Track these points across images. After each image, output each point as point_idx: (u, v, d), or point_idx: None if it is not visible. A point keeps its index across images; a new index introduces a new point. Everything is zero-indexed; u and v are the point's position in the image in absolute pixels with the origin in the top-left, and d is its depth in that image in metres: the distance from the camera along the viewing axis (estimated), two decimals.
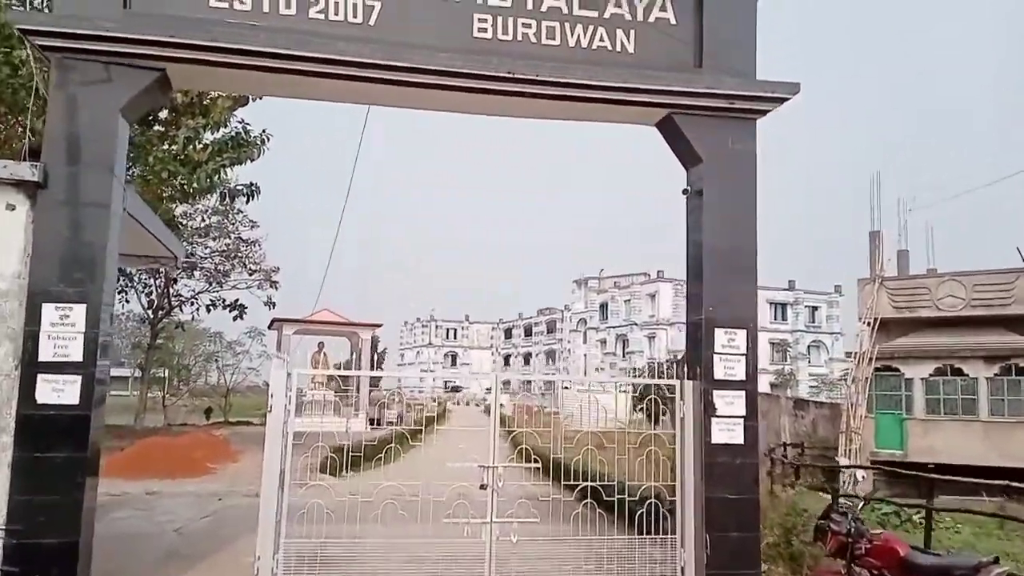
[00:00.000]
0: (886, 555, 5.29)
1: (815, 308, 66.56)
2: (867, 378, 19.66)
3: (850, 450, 18.56)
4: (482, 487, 6.59)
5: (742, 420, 6.70)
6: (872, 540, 5.47)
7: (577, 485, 6.86)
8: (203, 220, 31.40)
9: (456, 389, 72.90)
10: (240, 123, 16.57)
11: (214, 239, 32.52)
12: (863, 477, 16.28)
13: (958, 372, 19.29)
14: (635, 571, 6.67)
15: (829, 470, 17.18)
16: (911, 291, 19.54)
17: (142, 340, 37.04)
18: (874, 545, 5.40)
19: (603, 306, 69.02)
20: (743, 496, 6.60)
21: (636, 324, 61.88)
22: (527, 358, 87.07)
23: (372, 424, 26.03)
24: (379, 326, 32.53)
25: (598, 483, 7.00)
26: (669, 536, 6.77)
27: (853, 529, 5.62)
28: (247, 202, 16.85)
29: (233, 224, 32.16)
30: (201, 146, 15.43)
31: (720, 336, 6.78)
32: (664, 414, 21.46)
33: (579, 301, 74.54)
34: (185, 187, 15.45)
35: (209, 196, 18.78)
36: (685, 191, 7.22)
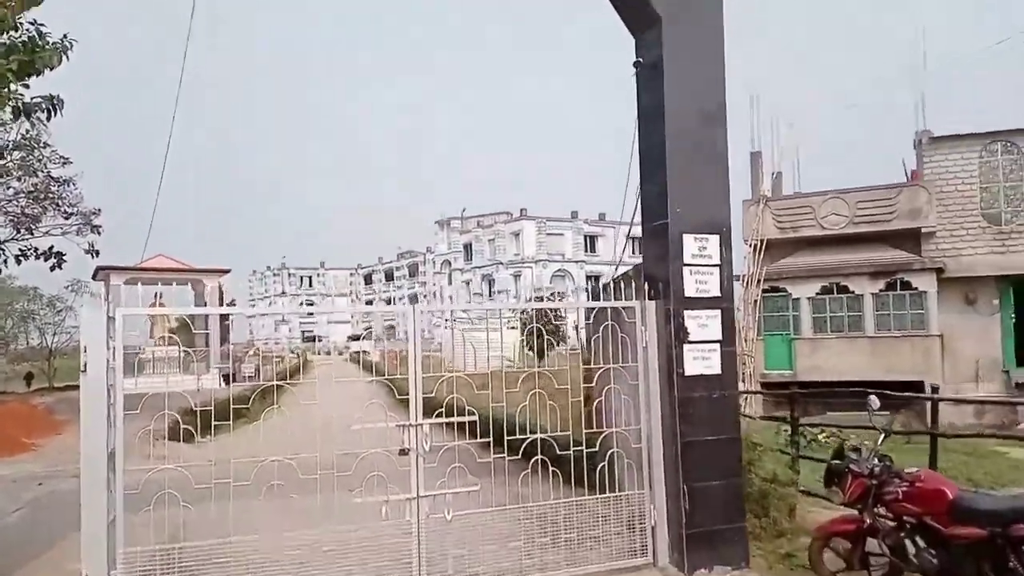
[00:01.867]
0: (929, 499, 4.27)
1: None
2: (755, 300, 19.74)
3: (744, 373, 18.57)
4: (403, 452, 4.97)
5: (718, 346, 5.50)
6: (908, 480, 4.43)
7: (497, 440, 5.35)
8: (2, 157, 26.50)
9: (314, 339, 69.35)
10: (33, 24, 13.26)
11: (18, 179, 27.56)
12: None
13: (844, 290, 19.70)
14: (598, 538, 5.37)
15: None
16: (795, 211, 19.58)
17: None
18: (913, 487, 4.37)
19: (467, 246, 67.53)
20: (723, 437, 5.46)
21: (502, 263, 61.07)
22: (389, 303, 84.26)
23: (227, 381, 23.33)
24: (226, 271, 29.11)
25: (535, 436, 5.56)
26: (636, 491, 5.51)
27: (878, 469, 4.57)
28: (48, 118, 13.49)
29: (40, 160, 27.35)
30: None
31: (690, 243, 5.48)
32: (551, 349, 20.45)
33: (442, 243, 72.52)
34: None
35: None
36: (636, 63, 5.76)
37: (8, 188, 27.16)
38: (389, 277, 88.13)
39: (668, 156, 5.45)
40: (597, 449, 5.53)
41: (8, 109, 13.35)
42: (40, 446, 12.66)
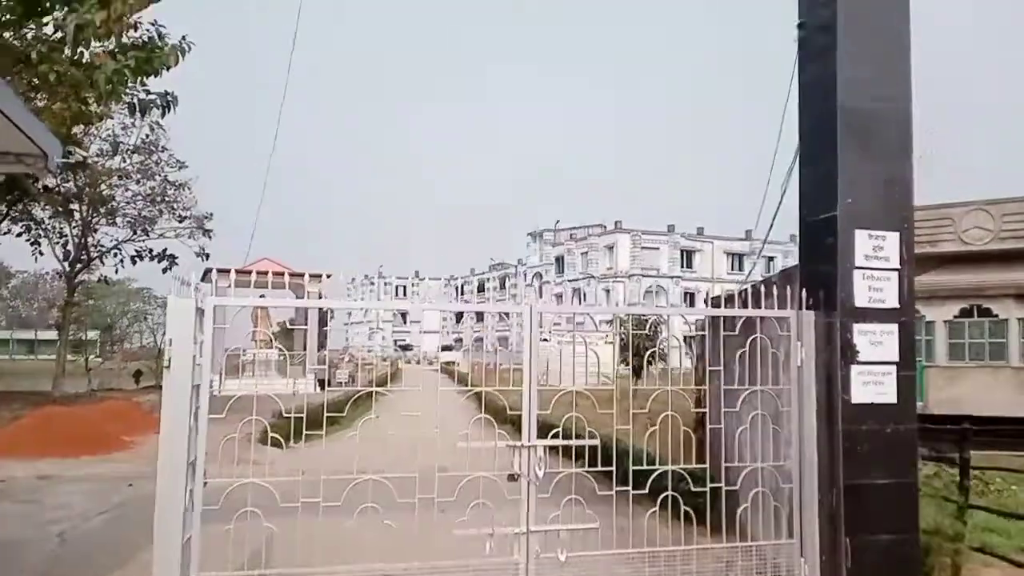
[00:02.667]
0: None
1: (771, 258, 66.01)
2: None
3: None
4: (511, 478, 4.28)
5: (894, 369, 4.53)
6: None
7: (614, 469, 4.54)
8: (124, 160, 27.92)
9: (407, 348, 70.29)
10: (153, 24, 13.59)
11: (137, 182, 28.95)
12: None
13: (986, 313, 17.70)
14: None
15: None
16: (932, 223, 17.74)
17: (58, 297, 33.38)
18: None
19: (559, 259, 66.91)
20: (898, 480, 4.47)
21: (593, 277, 60.04)
22: (480, 315, 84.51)
23: (322, 386, 23.55)
24: (327, 276, 29.61)
25: (666, 468, 4.74)
26: (783, 541, 4.60)
27: None
28: (163, 115, 13.72)
29: (158, 164, 28.66)
30: (99, 46, 12.39)
31: (863, 242, 4.55)
32: (650, 364, 19.45)
33: (534, 255, 72.11)
34: (79, 93, 12.38)
35: (113, 108, 15.56)
36: (800, 25, 4.89)
37: (127, 191, 28.63)
38: (481, 288, 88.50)
39: (839, 135, 4.55)
40: (738, 488, 4.65)
41: (125, 106, 13.83)
42: (138, 444, 12.75)
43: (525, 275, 74.92)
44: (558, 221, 70.14)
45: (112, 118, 25.99)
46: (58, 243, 27.50)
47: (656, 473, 4.57)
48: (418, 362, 55.65)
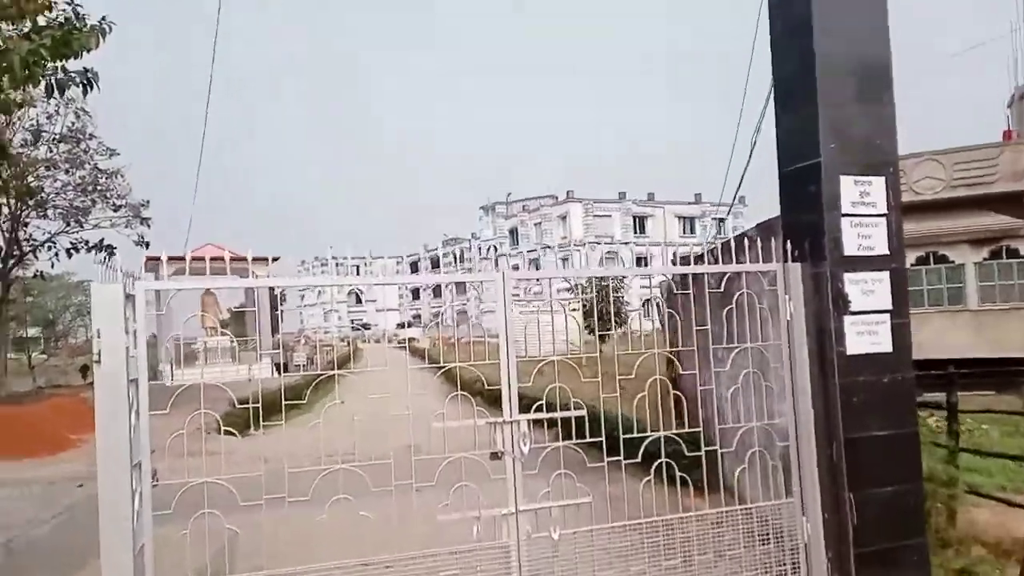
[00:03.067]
0: None
1: (721, 220, 66.83)
2: None
3: None
4: (495, 456, 3.96)
5: (888, 317, 4.34)
6: None
7: (604, 439, 4.26)
8: (50, 151, 26.46)
9: (365, 327, 69.43)
10: (70, 3, 12.62)
11: (66, 171, 27.51)
12: None
13: (943, 259, 18.02)
14: (739, 558, 4.28)
15: None
16: None
17: None
18: None
19: (512, 231, 66.58)
20: (899, 431, 4.30)
21: (549, 247, 59.94)
22: (437, 290, 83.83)
23: (279, 371, 22.90)
24: (275, 260, 28.67)
25: (657, 434, 4.49)
26: (782, 501, 4.40)
27: None
28: (84, 93, 12.89)
29: (87, 152, 27.25)
30: (12, 29, 11.49)
31: (848, 188, 4.31)
32: (612, 331, 19.27)
33: (487, 228, 71.58)
34: None
35: (33, 94, 14.57)
36: None
37: (56, 181, 27.15)
38: (435, 265, 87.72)
39: (819, 79, 4.28)
40: (733, 450, 4.42)
41: (42, 86, 12.88)
42: (86, 442, 12.01)
43: (480, 249, 74.43)
44: (510, 194, 69.70)
45: (35, 106, 24.67)
46: None
47: (648, 440, 4.31)
48: (377, 341, 54.96)
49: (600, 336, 17.07)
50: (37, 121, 24.87)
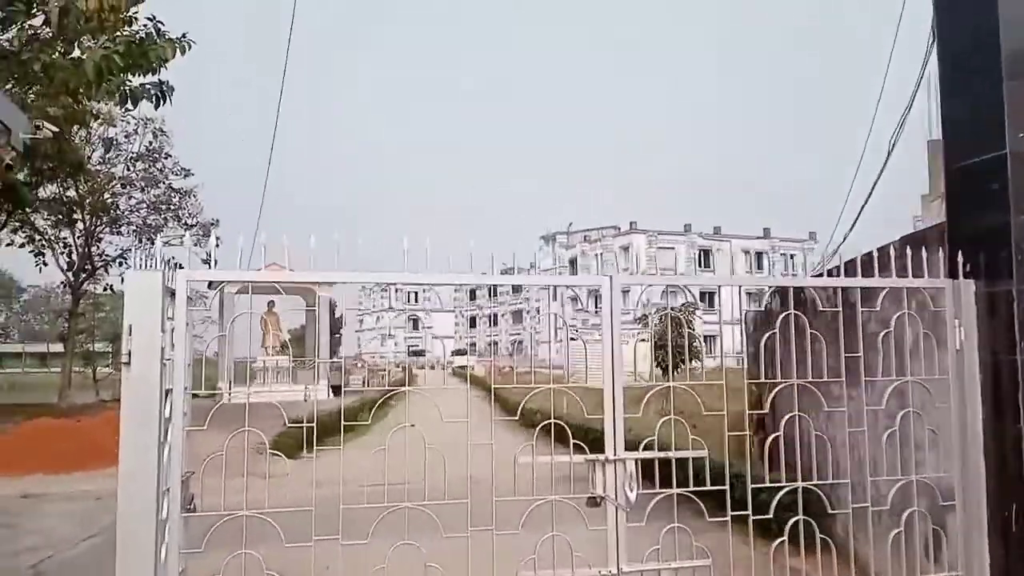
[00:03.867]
0: None
1: (792, 256, 64.71)
2: None
3: None
4: (593, 502, 3.23)
5: None
6: None
7: (728, 488, 3.44)
8: (127, 168, 27.23)
9: (419, 353, 69.36)
10: (152, 19, 12.71)
11: (141, 190, 28.25)
12: None
13: None
14: None
15: None
16: None
17: (63, 308, 32.71)
18: None
19: (572, 262, 65.79)
20: None
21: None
22: (493, 319, 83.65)
23: (336, 392, 22.71)
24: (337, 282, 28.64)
25: (795, 484, 3.66)
26: (948, 574, 3.52)
27: None
28: (156, 106, 12.86)
29: (162, 172, 27.97)
30: (93, 43, 11.55)
31: None
32: (683, 363, 18.34)
33: (547, 258, 70.99)
34: (69, 85, 11.52)
35: (110, 109, 14.72)
36: None
37: (131, 199, 27.85)
38: (493, 293, 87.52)
39: (1004, 51, 3.48)
40: (888, 508, 3.56)
41: (116, 97, 12.93)
42: None
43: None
44: (571, 223, 69.05)
45: (114, 125, 25.44)
46: (62, 253, 26.84)
47: (783, 491, 3.49)
48: (431, 367, 54.69)
49: (665, 369, 16.17)
50: (116, 140, 25.64)
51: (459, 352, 55.80)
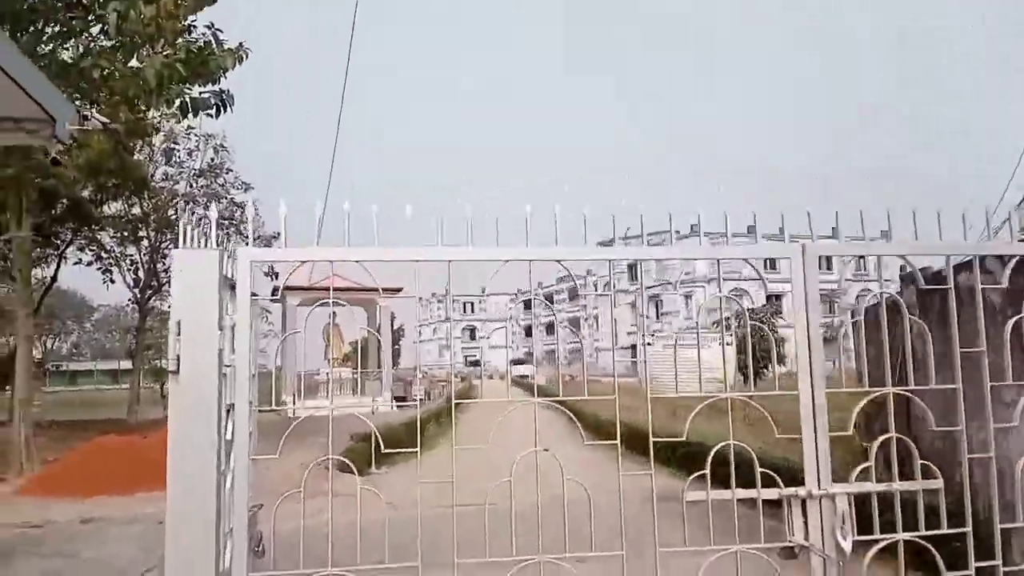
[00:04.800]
0: None
1: (861, 257, 61.86)
2: None
3: None
4: (788, 553, 2.40)
5: None
6: None
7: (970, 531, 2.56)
8: (190, 185, 27.51)
9: (475, 363, 68.87)
10: (210, 27, 12.45)
11: (204, 206, 28.50)
12: None
13: None
14: None
15: None
16: None
17: (132, 325, 33.34)
18: None
19: (631, 267, 64.35)
20: None
21: (670, 283, 57.29)
22: (549, 327, 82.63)
23: (399, 403, 22.27)
24: (399, 290, 28.29)
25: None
26: None
27: None
28: (216, 116, 12.56)
29: (223, 186, 28.16)
30: (152, 52, 11.29)
31: None
32: (766, 368, 17.10)
33: (604, 263, 69.63)
34: (129, 94, 11.27)
35: (164, 112, 14.49)
36: None
37: (194, 214, 28.10)
38: (549, 300, 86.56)
39: None
40: None
41: (176, 104, 12.66)
42: None
43: (595, 286, 72.65)
44: (628, 228, 67.57)
45: (177, 143, 25.73)
46: (129, 270, 27.23)
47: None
48: (490, 377, 54.15)
49: (746, 375, 15.04)
50: (179, 157, 25.98)
51: (518, 361, 55.01)
